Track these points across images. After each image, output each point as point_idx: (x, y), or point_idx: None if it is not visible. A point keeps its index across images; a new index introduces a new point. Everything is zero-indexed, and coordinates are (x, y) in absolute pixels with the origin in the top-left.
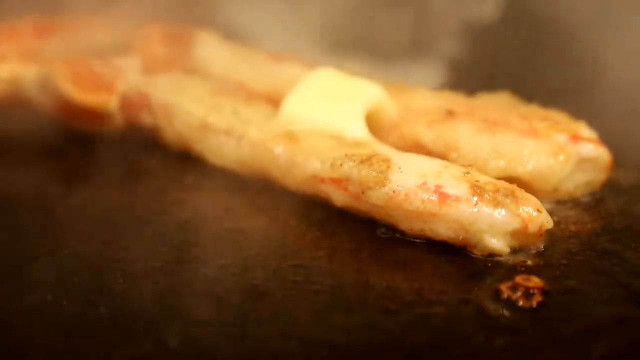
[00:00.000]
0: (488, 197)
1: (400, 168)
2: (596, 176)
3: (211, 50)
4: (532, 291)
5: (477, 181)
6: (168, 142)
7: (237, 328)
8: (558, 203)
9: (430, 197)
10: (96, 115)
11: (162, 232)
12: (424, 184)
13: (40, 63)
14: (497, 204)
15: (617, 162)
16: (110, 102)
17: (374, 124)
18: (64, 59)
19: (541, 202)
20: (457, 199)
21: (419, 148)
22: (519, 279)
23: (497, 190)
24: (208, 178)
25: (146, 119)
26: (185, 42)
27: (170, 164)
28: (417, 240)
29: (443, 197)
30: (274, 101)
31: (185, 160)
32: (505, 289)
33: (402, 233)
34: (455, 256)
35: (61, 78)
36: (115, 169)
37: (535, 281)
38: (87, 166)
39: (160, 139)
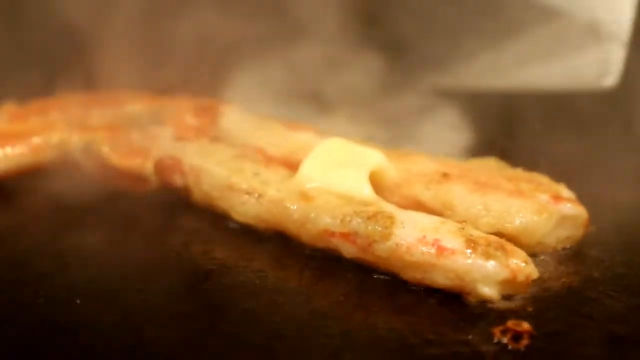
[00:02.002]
0: (481, 250)
1: (402, 223)
2: (575, 231)
3: (234, 120)
4: (520, 334)
5: (471, 235)
6: (197, 201)
7: None
8: (542, 255)
9: (429, 250)
10: (134, 178)
11: (191, 281)
12: (424, 237)
13: (84, 131)
14: (488, 256)
15: (592, 219)
16: (145, 166)
17: (377, 185)
18: (105, 128)
19: (527, 254)
20: (453, 252)
21: (418, 206)
22: (510, 323)
23: (489, 244)
24: (232, 232)
25: (178, 181)
26: (212, 113)
27: (198, 220)
28: (418, 288)
29: (440, 249)
30: (290, 165)
31: (212, 217)
32: (496, 331)
33: (404, 281)
34: (452, 302)
35: (103, 145)
36: (149, 225)
37: (524, 325)
38: (125, 222)
39: (190, 198)
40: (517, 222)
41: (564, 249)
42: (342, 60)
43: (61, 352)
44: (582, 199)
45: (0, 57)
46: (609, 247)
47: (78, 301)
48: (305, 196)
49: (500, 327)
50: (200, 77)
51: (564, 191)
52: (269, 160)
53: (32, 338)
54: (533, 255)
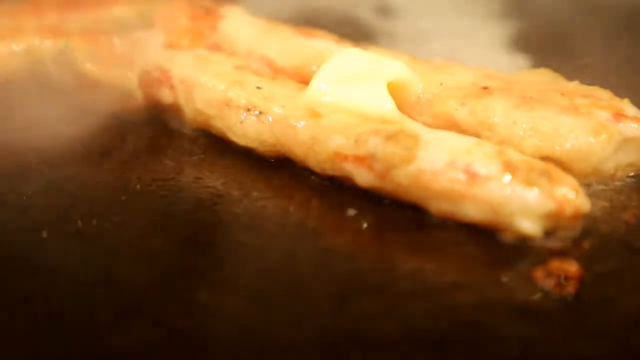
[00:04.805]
0: (521, 176)
1: (428, 145)
2: None
3: (238, 25)
4: (566, 278)
5: (510, 159)
6: (188, 120)
7: (248, 312)
8: (598, 184)
9: (459, 176)
10: (116, 92)
11: (178, 211)
12: (453, 161)
13: (58, 37)
14: (530, 184)
15: None
16: (129, 79)
17: (402, 101)
18: (83, 33)
19: (579, 183)
20: (487, 178)
21: (451, 126)
22: (553, 266)
23: (531, 169)
24: (228, 157)
25: (166, 96)
26: (212, 16)
27: (189, 142)
28: (445, 223)
29: (472, 176)
30: (301, 78)
31: (206, 139)
32: (538, 275)
33: (430, 215)
34: (486, 240)
35: (79, 52)
36: (132, 148)
37: (570, 267)
38: (104, 144)
39: (181, 117)
40: (569, 144)
41: (626, 178)
42: None
43: (22, 288)
44: None
45: None
46: None
47: (45, 234)
48: (314, 113)
49: (542, 270)
50: None
51: (629, 108)
52: (277, 72)
53: None
54: (588, 185)
